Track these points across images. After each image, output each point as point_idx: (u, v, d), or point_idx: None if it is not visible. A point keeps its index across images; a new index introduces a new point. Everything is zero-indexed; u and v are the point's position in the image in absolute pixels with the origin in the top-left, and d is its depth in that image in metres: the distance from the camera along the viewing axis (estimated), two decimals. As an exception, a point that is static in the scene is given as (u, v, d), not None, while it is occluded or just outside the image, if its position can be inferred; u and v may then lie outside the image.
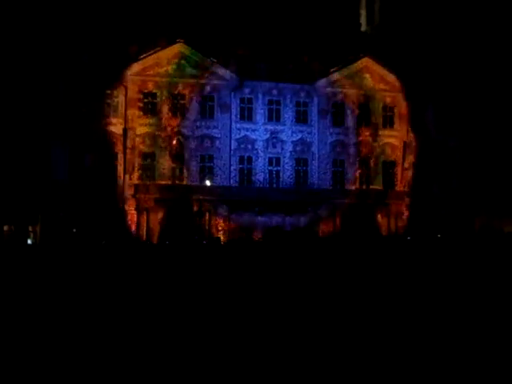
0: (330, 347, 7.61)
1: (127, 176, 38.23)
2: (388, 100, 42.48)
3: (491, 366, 6.68)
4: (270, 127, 40.79)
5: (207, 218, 38.30)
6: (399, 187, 42.01)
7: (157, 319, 9.70)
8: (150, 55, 39.08)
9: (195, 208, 37.37)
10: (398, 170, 42.21)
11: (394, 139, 42.43)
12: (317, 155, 41.30)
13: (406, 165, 42.08)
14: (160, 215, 37.90)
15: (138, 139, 38.67)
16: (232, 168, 40.00)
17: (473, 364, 6.76)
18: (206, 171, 39.65)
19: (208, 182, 38.90)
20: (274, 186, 40.80)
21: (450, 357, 7.05)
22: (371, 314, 9.39)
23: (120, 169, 38.45)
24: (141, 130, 38.77)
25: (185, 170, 39.42)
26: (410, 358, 7.07)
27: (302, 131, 41.29)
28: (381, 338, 7.99)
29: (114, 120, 38.56)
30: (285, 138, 40.96)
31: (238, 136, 40.25)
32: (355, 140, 41.76)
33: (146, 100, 39.11)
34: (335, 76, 41.85)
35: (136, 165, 38.57)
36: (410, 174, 42.12)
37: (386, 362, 6.99)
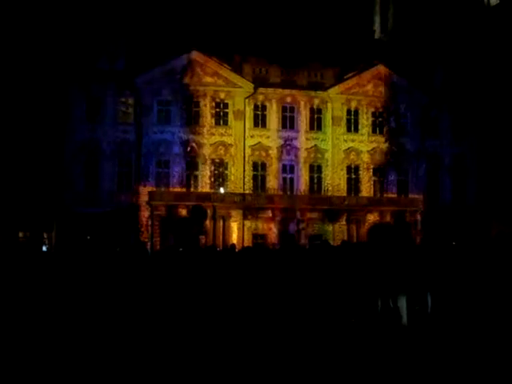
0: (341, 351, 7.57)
1: (142, 183, 38.43)
2: (401, 107, 42.31)
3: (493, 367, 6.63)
4: (283, 134, 40.77)
5: (221, 224, 38.30)
6: (413, 195, 41.79)
7: (167, 323, 9.71)
8: (164, 63, 39.22)
9: (209, 215, 37.36)
10: (412, 176, 42.02)
11: (408, 146, 42.22)
12: (331, 162, 41.23)
13: (421, 172, 41.92)
14: (174, 222, 37.94)
15: (152, 146, 38.83)
16: (246, 174, 40.02)
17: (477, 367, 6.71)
18: (220, 178, 39.69)
19: (222, 189, 38.93)
20: (288, 192, 40.75)
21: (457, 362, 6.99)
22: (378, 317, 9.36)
23: (135, 176, 38.66)
24: (155, 137, 38.93)
25: (199, 177, 39.51)
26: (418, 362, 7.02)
27: (315, 138, 41.26)
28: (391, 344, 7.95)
29: (128, 127, 38.83)
30: (298, 145, 40.92)
31: (251, 143, 40.27)
32: (369, 147, 41.67)
33: (160, 107, 39.30)
34: (349, 83, 41.79)
35: (151, 172, 38.75)
36: (424, 181, 41.96)
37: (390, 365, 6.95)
